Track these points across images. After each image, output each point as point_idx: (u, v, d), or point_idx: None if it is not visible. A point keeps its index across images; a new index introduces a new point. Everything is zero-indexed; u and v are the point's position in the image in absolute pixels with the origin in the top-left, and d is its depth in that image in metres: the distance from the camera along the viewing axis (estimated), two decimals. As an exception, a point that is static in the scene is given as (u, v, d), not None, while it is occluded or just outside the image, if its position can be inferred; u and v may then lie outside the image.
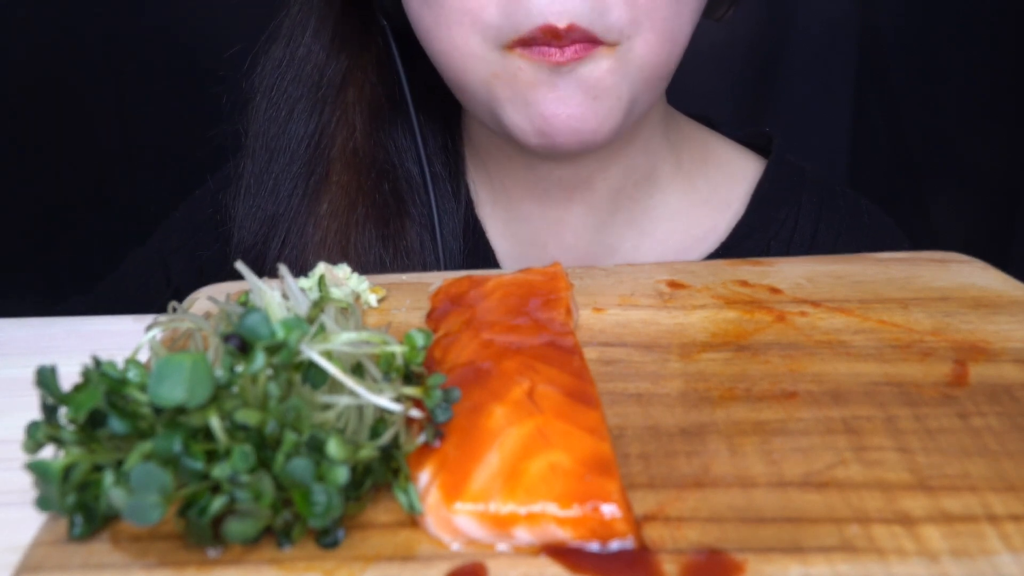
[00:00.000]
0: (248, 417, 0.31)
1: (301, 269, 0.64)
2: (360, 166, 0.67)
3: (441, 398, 0.34)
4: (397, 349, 0.37)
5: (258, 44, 0.68)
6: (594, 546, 0.32)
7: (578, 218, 0.70)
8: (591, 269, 0.54)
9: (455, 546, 0.32)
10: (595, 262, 0.70)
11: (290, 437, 0.31)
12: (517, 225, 0.71)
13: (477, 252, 0.71)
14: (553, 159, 0.66)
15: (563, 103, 0.56)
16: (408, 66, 0.67)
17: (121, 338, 0.45)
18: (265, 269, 0.66)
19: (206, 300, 0.49)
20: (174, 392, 0.30)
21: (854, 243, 0.72)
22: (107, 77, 1.09)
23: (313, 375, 0.33)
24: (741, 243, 0.70)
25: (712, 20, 0.65)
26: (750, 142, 0.76)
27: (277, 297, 0.38)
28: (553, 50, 0.54)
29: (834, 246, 0.71)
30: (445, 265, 0.67)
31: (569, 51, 0.54)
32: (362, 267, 0.65)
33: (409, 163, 0.69)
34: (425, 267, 0.67)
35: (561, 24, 0.53)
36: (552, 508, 0.31)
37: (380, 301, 0.51)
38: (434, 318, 0.46)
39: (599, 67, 0.55)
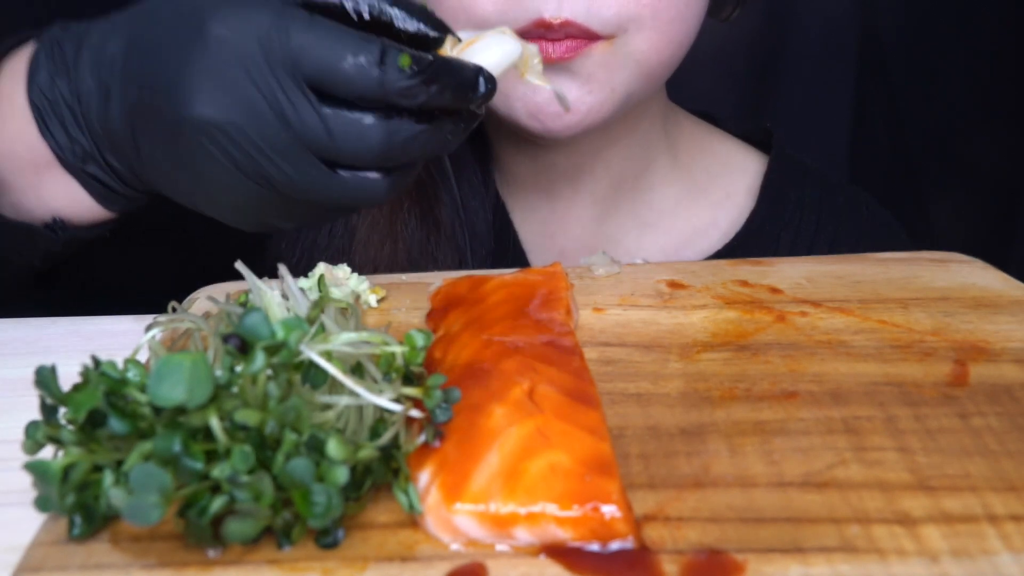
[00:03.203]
0: (248, 417, 0.31)
1: (348, 257, 0.64)
2: None
3: (441, 398, 0.34)
4: (397, 349, 0.37)
5: None
6: (594, 546, 0.32)
7: (583, 210, 0.71)
8: (591, 269, 0.54)
9: (455, 546, 0.32)
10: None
11: (290, 437, 0.31)
12: (529, 215, 0.72)
13: (504, 237, 0.72)
14: (550, 144, 0.67)
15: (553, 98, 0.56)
16: None
17: (121, 338, 0.45)
18: (316, 258, 0.66)
19: (206, 300, 0.49)
20: (174, 392, 0.30)
21: (853, 235, 0.73)
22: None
23: (313, 375, 0.33)
24: (756, 236, 0.71)
25: (718, 21, 0.66)
26: (750, 137, 0.77)
27: (277, 297, 0.38)
28: (545, 44, 0.55)
29: (834, 238, 0.72)
30: (474, 250, 0.68)
31: (561, 47, 0.55)
32: (408, 253, 0.65)
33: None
34: (458, 251, 0.68)
35: (556, 20, 0.54)
36: (552, 508, 0.31)
37: (380, 301, 0.51)
38: (434, 318, 0.46)
39: (591, 61, 0.56)
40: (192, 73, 0.39)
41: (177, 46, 0.40)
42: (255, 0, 0.40)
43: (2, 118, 0.47)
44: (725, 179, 0.73)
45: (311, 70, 0.38)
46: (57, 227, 0.50)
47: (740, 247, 0.70)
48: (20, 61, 0.47)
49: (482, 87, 0.40)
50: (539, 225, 0.72)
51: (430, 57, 0.39)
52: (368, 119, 0.39)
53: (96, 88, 0.44)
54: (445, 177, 0.69)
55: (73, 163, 0.47)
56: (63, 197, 0.49)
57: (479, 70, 0.40)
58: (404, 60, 0.38)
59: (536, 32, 0.55)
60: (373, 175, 0.41)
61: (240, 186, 0.41)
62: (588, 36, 0.55)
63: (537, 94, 0.57)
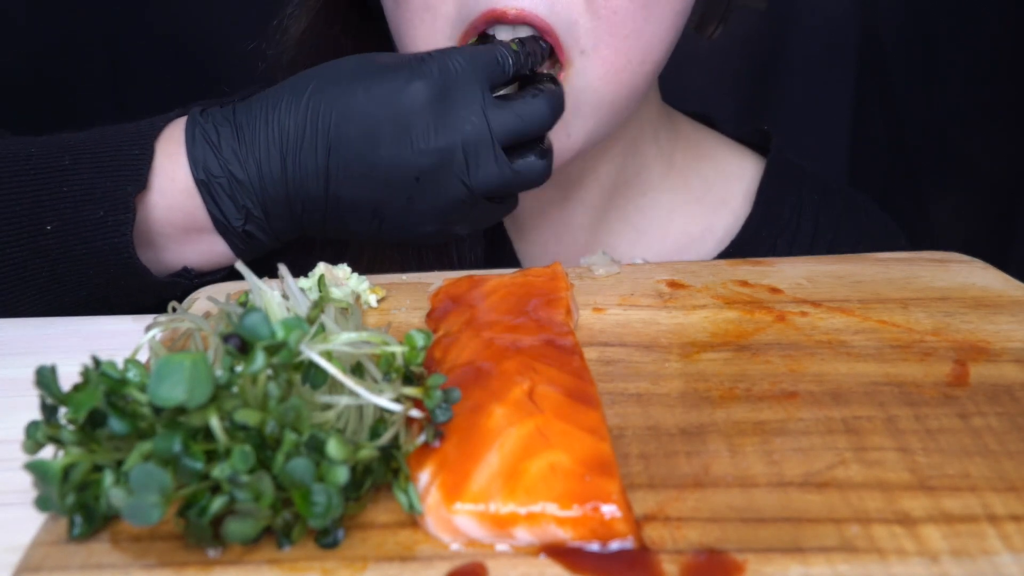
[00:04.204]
0: (248, 417, 0.31)
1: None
2: None
3: (441, 398, 0.34)
4: (397, 349, 0.37)
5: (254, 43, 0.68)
6: (594, 546, 0.32)
7: (575, 217, 0.70)
8: (591, 269, 0.54)
9: (455, 546, 0.32)
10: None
11: (290, 437, 0.31)
12: (521, 223, 0.71)
13: (497, 246, 0.71)
14: None
15: None
16: None
17: (121, 338, 0.45)
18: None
19: (206, 300, 0.49)
20: (174, 392, 0.30)
21: (852, 238, 0.72)
22: (108, 79, 1.09)
23: (313, 375, 0.33)
24: (752, 242, 0.70)
25: (704, 38, 0.65)
26: (747, 140, 0.76)
27: (277, 297, 0.38)
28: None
29: (833, 242, 0.72)
30: (466, 256, 0.67)
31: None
32: (400, 261, 0.65)
33: None
34: (451, 260, 0.67)
35: (511, 10, 0.54)
36: (552, 508, 0.31)
37: (380, 301, 0.51)
38: (434, 318, 0.46)
39: None
40: (414, 122, 0.50)
41: (386, 105, 0.50)
42: (416, 54, 0.52)
43: (163, 192, 0.53)
44: (721, 184, 0.73)
45: (486, 77, 0.51)
46: (185, 276, 0.56)
47: (736, 254, 0.69)
48: (171, 143, 0.53)
49: (546, 47, 0.55)
50: (531, 233, 0.71)
51: (520, 36, 0.54)
52: (530, 96, 0.52)
53: (270, 161, 0.52)
54: None
55: (232, 226, 0.54)
56: (203, 253, 0.55)
57: (538, 34, 0.55)
58: (513, 45, 0.53)
59: (485, 25, 0.55)
60: (535, 159, 0.53)
61: (447, 195, 0.52)
62: (546, 32, 0.55)
63: None
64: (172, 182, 0.53)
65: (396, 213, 0.53)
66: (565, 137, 0.58)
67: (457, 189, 0.51)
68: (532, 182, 0.53)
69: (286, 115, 0.52)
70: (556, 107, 0.53)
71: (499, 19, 0.54)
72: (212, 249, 0.55)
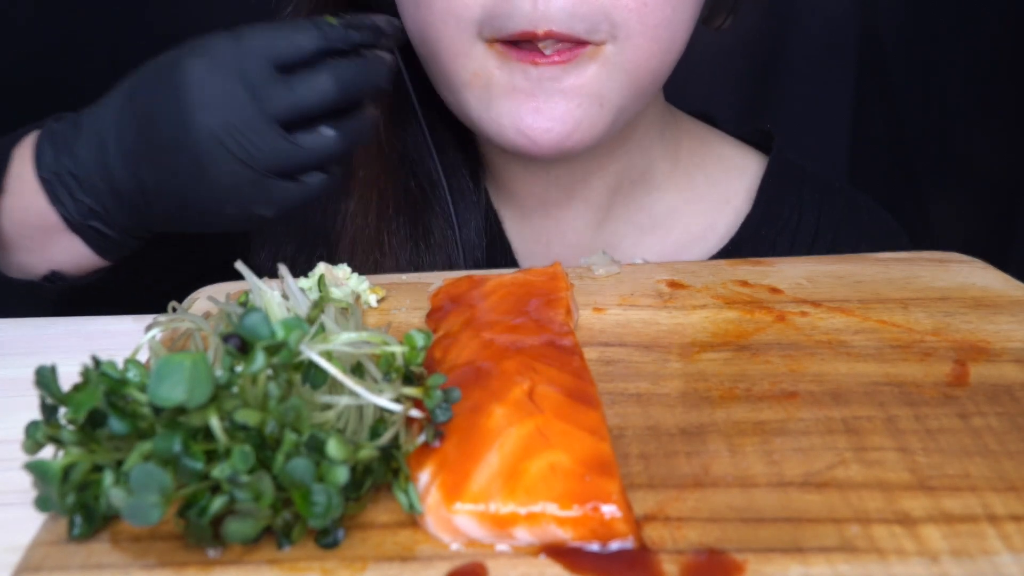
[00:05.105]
0: (248, 417, 0.31)
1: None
2: (385, 162, 0.68)
3: (441, 398, 0.34)
4: (397, 349, 0.37)
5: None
6: (594, 546, 0.32)
7: (578, 217, 0.70)
8: (591, 269, 0.54)
9: (455, 546, 0.32)
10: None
11: (290, 437, 0.31)
12: (523, 222, 0.71)
13: (496, 246, 0.71)
14: (541, 163, 0.66)
15: (541, 114, 0.56)
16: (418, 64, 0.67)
17: (121, 338, 0.45)
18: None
19: (206, 300, 0.49)
20: (174, 392, 0.30)
21: (853, 238, 0.72)
22: (108, 79, 1.09)
23: (313, 375, 0.33)
24: (751, 239, 0.70)
25: (711, 29, 0.66)
26: (748, 139, 0.76)
27: (277, 297, 0.39)
28: (535, 55, 0.55)
29: (834, 241, 0.72)
30: (465, 258, 0.68)
31: (551, 59, 0.55)
32: (396, 262, 0.65)
33: (427, 158, 0.69)
34: (449, 260, 0.67)
35: (540, 30, 0.54)
36: (552, 508, 0.31)
37: (380, 301, 0.51)
38: (434, 318, 0.46)
39: (584, 73, 0.56)
40: (186, 102, 0.49)
41: (163, 86, 0.50)
42: (216, 34, 0.51)
43: (15, 194, 0.55)
44: (725, 182, 0.73)
45: (270, 53, 0.49)
46: (54, 279, 0.57)
47: (736, 251, 0.69)
48: (26, 147, 0.55)
49: (388, 27, 0.52)
50: (533, 233, 0.71)
51: (346, 15, 0.51)
52: (319, 72, 0.49)
53: (94, 151, 0.53)
54: (435, 184, 0.68)
55: (79, 222, 0.54)
56: (65, 253, 0.56)
57: (386, 17, 0.53)
58: (329, 19, 0.50)
59: (522, 40, 0.55)
60: (327, 131, 0.50)
61: (229, 175, 0.49)
62: (576, 42, 0.55)
63: (523, 111, 0.56)
64: (22, 183, 0.55)
65: (194, 197, 0.51)
66: (599, 106, 0.57)
67: (238, 168, 0.49)
68: (323, 155, 0.50)
69: (109, 106, 0.53)
70: (348, 80, 0.50)
71: (531, 38, 0.54)
72: (74, 249, 0.56)
